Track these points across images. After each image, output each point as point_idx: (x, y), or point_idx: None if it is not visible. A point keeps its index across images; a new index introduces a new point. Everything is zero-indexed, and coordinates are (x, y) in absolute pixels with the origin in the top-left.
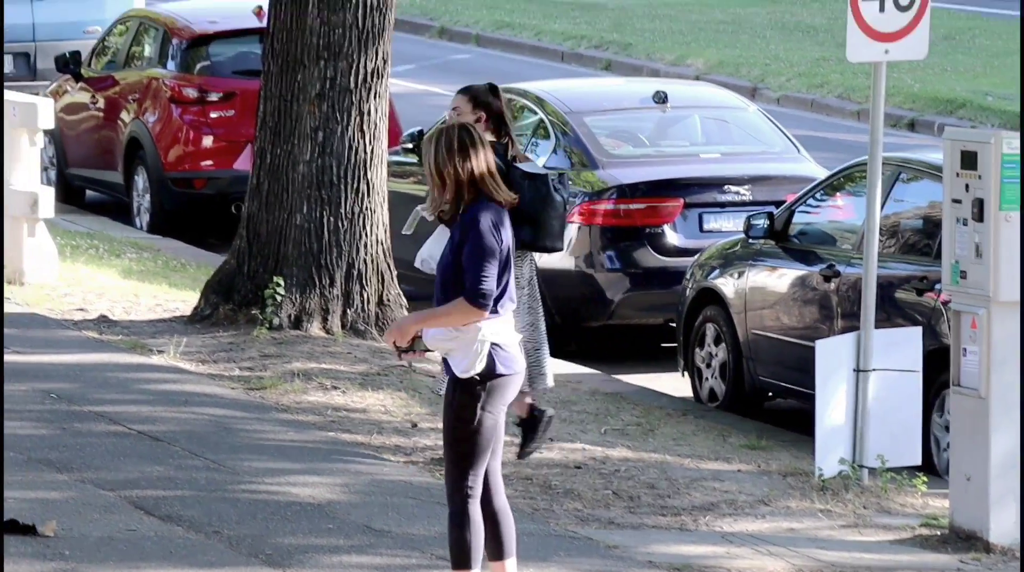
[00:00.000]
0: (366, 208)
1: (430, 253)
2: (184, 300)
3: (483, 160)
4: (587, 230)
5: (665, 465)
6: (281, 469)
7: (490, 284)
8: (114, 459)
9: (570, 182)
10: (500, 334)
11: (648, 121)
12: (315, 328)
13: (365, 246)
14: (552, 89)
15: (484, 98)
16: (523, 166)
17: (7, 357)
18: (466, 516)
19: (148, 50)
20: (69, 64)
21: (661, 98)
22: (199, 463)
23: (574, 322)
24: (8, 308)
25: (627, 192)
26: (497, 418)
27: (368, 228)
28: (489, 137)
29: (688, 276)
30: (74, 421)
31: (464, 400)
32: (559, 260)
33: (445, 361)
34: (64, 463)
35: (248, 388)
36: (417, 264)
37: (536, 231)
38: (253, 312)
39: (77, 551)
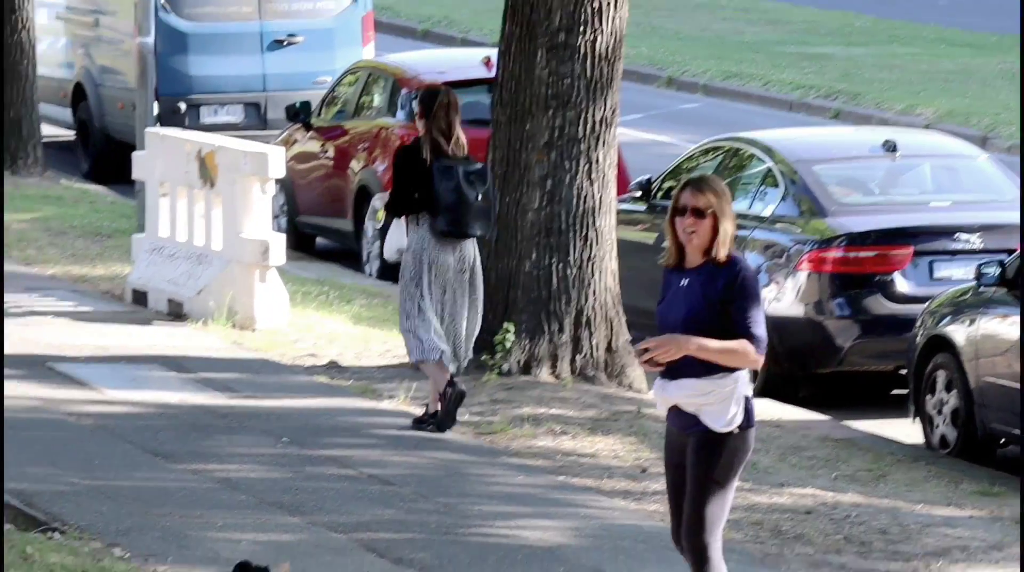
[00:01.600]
0: (594, 255)
1: (395, 244)
2: None
3: None
4: (816, 277)
5: (896, 511)
6: (511, 513)
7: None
8: (345, 502)
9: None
10: (749, 386)
11: (878, 170)
12: (544, 374)
13: (594, 293)
14: (781, 138)
15: (424, 97)
16: (444, 161)
17: (240, 401)
18: (720, 566)
19: (377, 100)
20: (299, 114)
21: (891, 147)
22: (429, 506)
23: (804, 369)
24: (240, 353)
25: (857, 240)
26: (738, 470)
27: (597, 275)
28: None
29: (919, 323)
30: (305, 465)
31: (721, 454)
32: (788, 307)
33: (670, 415)
34: (296, 506)
35: (478, 433)
36: (387, 257)
37: (452, 220)
38: (483, 358)
39: None
